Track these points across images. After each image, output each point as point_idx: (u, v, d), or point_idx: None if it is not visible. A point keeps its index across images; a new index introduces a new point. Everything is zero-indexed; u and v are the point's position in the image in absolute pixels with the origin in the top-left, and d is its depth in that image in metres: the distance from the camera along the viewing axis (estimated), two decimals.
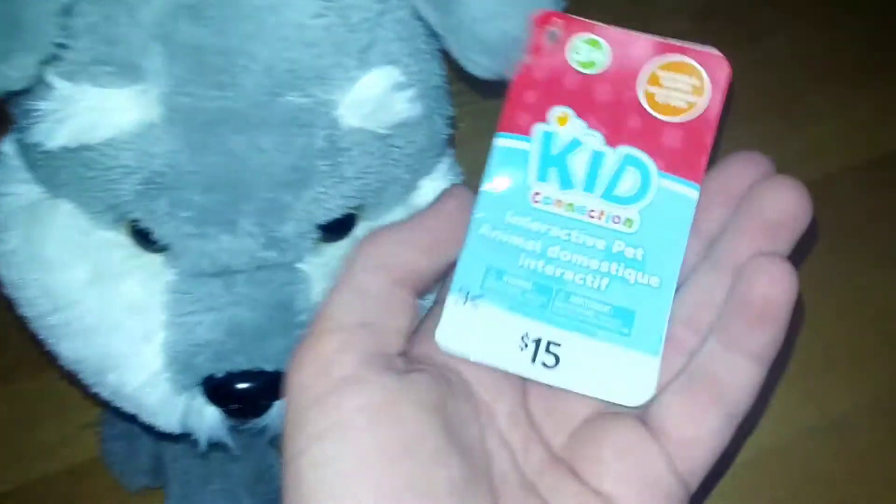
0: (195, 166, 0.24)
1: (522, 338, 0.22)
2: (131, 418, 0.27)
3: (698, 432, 0.21)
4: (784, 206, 0.21)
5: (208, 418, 0.26)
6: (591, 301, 0.23)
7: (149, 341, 0.25)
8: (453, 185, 0.25)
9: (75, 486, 0.38)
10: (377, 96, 0.25)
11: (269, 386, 0.25)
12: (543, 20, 0.25)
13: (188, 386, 0.25)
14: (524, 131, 0.24)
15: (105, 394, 0.27)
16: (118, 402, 0.27)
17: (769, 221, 0.21)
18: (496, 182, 0.24)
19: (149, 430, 0.28)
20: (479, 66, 0.26)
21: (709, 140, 0.24)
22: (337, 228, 0.27)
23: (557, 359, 0.22)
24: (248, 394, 0.25)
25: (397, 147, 0.26)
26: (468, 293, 0.23)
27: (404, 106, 0.26)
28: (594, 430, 0.22)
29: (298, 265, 0.25)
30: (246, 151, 0.24)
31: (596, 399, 0.22)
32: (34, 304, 0.26)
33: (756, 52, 0.49)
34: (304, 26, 0.24)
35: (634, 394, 0.22)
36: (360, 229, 0.27)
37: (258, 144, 0.24)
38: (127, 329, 0.25)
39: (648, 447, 0.21)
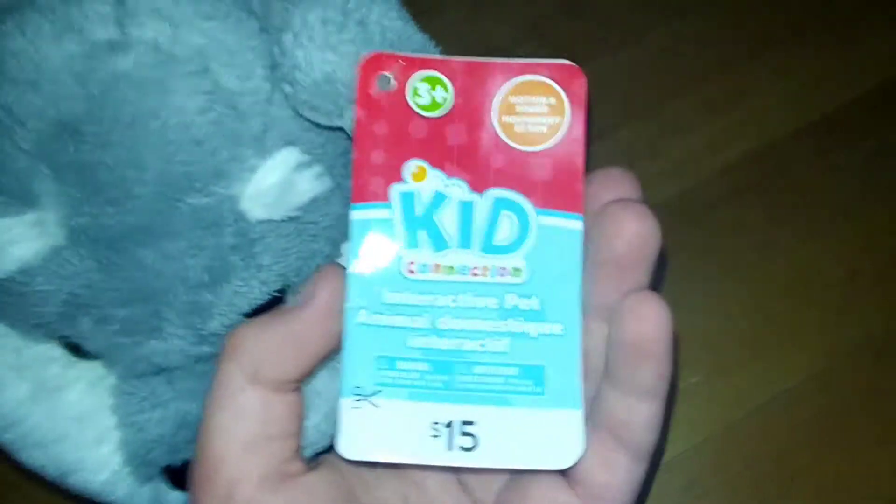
0: (109, 283, 0.24)
1: (433, 425, 0.21)
2: None
3: (612, 478, 0.21)
4: (631, 238, 0.20)
5: (175, 500, 0.27)
6: (496, 367, 0.21)
7: (102, 444, 0.26)
8: (324, 267, 0.23)
9: None
10: (280, 182, 0.25)
11: None
12: (372, 64, 0.22)
13: (150, 477, 0.26)
14: (380, 197, 0.22)
15: (73, 492, 0.28)
16: (87, 497, 0.28)
17: (621, 257, 0.21)
18: (363, 260, 0.22)
19: None
20: (317, 116, 0.24)
21: (580, 162, 0.23)
22: (266, 309, 0.27)
23: (475, 439, 0.21)
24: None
25: (312, 223, 0.26)
26: (361, 393, 0.21)
27: (311, 184, 0.25)
28: (518, 488, 0.23)
29: None
30: (156, 262, 0.24)
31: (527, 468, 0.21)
32: None
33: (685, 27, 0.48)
34: (191, 125, 0.23)
35: (564, 455, 0.21)
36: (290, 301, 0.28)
37: (167, 253, 0.24)
38: (78, 436, 0.26)
39: (568, 499, 0.21)
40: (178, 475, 0.26)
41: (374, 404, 0.21)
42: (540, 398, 0.21)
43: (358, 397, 0.21)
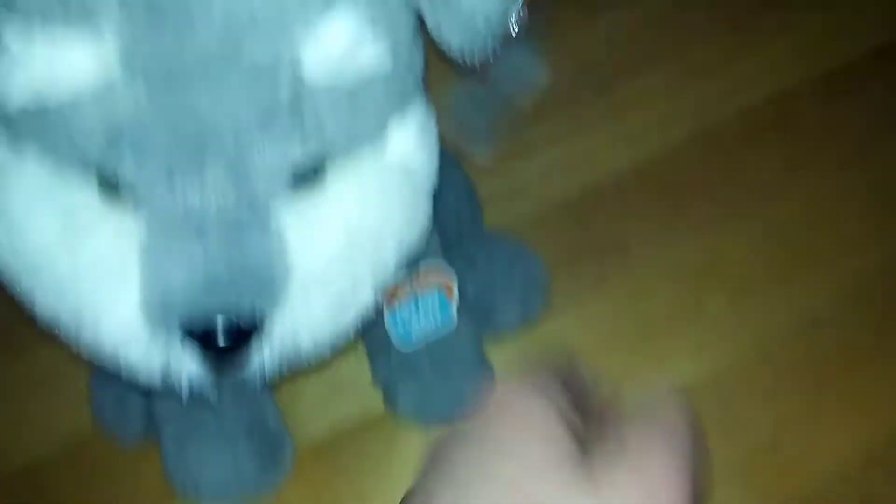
0: (159, 121, 0.23)
1: None
2: (117, 375, 0.27)
3: None
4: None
5: (188, 371, 0.26)
6: None
7: (123, 296, 0.24)
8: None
9: (75, 458, 0.38)
10: (343, 48, 0.25)
11: (245, 340, 0.25)
12: None
13: (167, 338, 0.25)
14: None
15: (86, 350, 0.26)
16: (100, 358, 0.26)
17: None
18: None
19: (135, 386, 0.28)
20: (453, 44, 0.26)
21: None
22: (305, 179, 0.26)
23: None
24: (226, 345, 0.25)
25: (365, 98, 0.26)
26: None
27: (371, 58, 0.25)
28: None
29: (271, 223, 0.25)
30: (209, 105, 0.23)
31: None
32: (6, 266, 0.25)
33: None
34: None
35: None
36: (329, 178, 0.27)
37: (221, 97, 0.23)
38: (100, 283, 0.24)
39: None
40: (195, 344, 0.25)
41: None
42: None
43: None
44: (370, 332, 0.37)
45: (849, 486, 0.35)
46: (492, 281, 0.39)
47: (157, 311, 0.24)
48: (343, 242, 0.25)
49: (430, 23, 0.26)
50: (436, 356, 0.35)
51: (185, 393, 0.26)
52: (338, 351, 0.28)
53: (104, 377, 0.38)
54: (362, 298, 0.27)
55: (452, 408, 0.36)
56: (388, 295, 0.34)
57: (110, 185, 0.25)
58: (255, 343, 0.25)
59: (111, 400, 0.37)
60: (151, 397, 0.36)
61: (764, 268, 0.41)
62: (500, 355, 0.38)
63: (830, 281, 0.40)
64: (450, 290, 0.35)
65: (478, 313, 0.39)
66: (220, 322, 0.24)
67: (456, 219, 0.39)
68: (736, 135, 0.46)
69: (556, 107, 0.49)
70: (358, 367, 0.39)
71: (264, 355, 0.26)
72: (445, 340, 0.35)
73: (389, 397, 0.38)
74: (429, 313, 0.35)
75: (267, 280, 0.24)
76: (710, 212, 0.44)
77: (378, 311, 0.34)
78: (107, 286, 0.24)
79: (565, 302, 0.41)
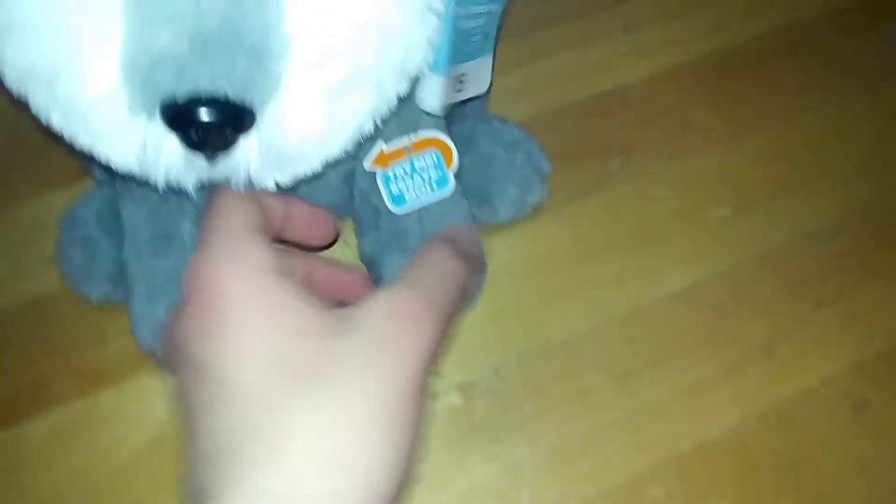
0: None
1: (455, 80, 0.32)
2: (111, 174, 0.24)
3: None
4: None
5: (168, 150, 0.23)
6: (477, 34, 0.31)
7: (104, 48, 0.21)
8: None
9: (39, 314, 0.36)
10: None
11: (233, 115, 0.22)
12: None
13: (147, 106, 0.22)
14: None
15: (59, 115, 0.23)
16: (71, 126, 0.23)
17: None
18: None
19: (107, 172, 0.25)
20: None
21: None
22: None
23: (463, 84, 0.33)
24: (209, 120, 0.22)
25: None
26: (449, 72, 0.31)
27: None
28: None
29: None
30: None
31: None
32: None
33: None
34: None
35: (485, 84, 0.34)
36: None
37: None
38: (79, 30, 0.22)
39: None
40: (178, 113, 0.22)
41: (449, 76, 0.31)
42: (485, 51, 0.33)
43: (444, 75, 0.31)
44: (361, 202, 0.35)
45: (839, 392, 0.34)
46: (491, 163, 0.37)
47: (140, 75, 0.21)
48: (347, 22, 0.23)
49: None
50: (427, 227, 0.33)
51: (160, 178, 0.23)
52: (328, 164, 0.26)
53: (74, 222, 0.35)
54: (361, 99, 0.24)
55: None
56: (383, 156, 0.32)
57: None
58: (243, 127, 0.22)
59: (80, 244, 0.34)
60: (124, 242, 0.32)
61: (768, 183, 0.40)
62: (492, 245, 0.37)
63: (833, 201, 0.39)
64: (448, 155, 0.33)
65: (473, 196, 0.37)
66: (206, 92, 0.21)
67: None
68: (749, 58, 0.45)
69: (572, 12, 0.47)
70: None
71: (251, 148, 0.23)
72: (439, 210, 0.33)
73: (375, 270, 0.35)
74: (425, 175, 0.33)
75: (262, 49, 0.22)
76: (717, 127, 0.42)
77: (367, 173, 0.33)
78: (85, 34, 0.21)
79: (564, 197, 0.39)
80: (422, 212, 0.33)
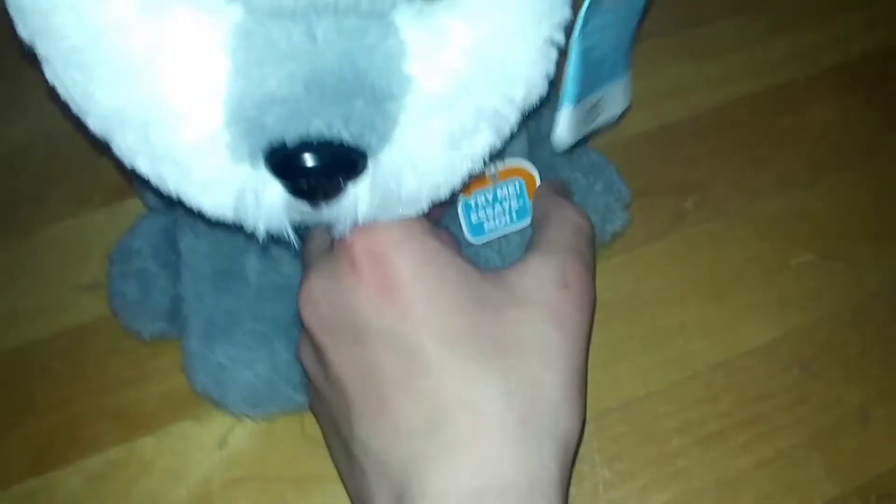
0: None
1: (590, 109, 0.29)
2: (168, 202, 0.22)
3: None
4: None
5: (269, 197, 0.21)
6: (611, 61, 0.29)
7: (207, 91, 0.19)
8: None
9: (74, 348, 0.33)
10: None
11: (347, 161, 0.20)
12: None
13: (252, 152, 0.20)
14: None
15: (148, 158, 0.20)
16: (161, 171, 0.21)
17: None
18: None
19: (164, 200, 0.22)
20: None
21: None
22: None
23: (599, 109, 0.30)
24: (322, 167, 0.20)
25: None
26: (577, 100, 0.28)
27: None
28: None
29: (393, 18, 0.20)
30: None
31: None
32: (65, 35, 0.19)
33: None
34: None
35: (624, 104, 0.32)
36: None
37: None
38: (181, 71, 0.19)
39: None
40: (287, 159, 0.20)
41: (576, 107, 0.28)
42: (618, 72, 0.30)
43: (574, 104, 0.28)
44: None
45: None
46: (570, 188, 0.34)
47: (248, 117, 0.19)
48: (471, 64, 0.20)
49: None
50: (508, 258, 0.31)
51: (259, 227, 0.21)
52: (437, 203, 0.23)
53: (127, 254, 0.32)
54: (480, 141, 0.22)
55: None
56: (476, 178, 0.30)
57: None
58: (356, 173, 0.20)
59: (134, 278, 0.32)
60: (179, 280, 0.30)
61: (853, 228, 0.37)
62: None
63: None
64: (532, 184, 0.30)
65: None
66: (319, 136, 0.19)
67: (537, 120, 0.34)
68: (827, 90, 0.43)
69: (638, 36, 0.45)
70: None
71: (361, 194, 0.21)
72: (519, 240, 0.31)
73: None
74: (506, 205, 0.30)
75: (383, 92, 0.19)
76: (795, 164, 0.40)
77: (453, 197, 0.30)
78: (188, 75, 0.19)
79: (636, 237, 0.37)
80: (501, 241, 0.31)
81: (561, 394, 0.23)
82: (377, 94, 0.20)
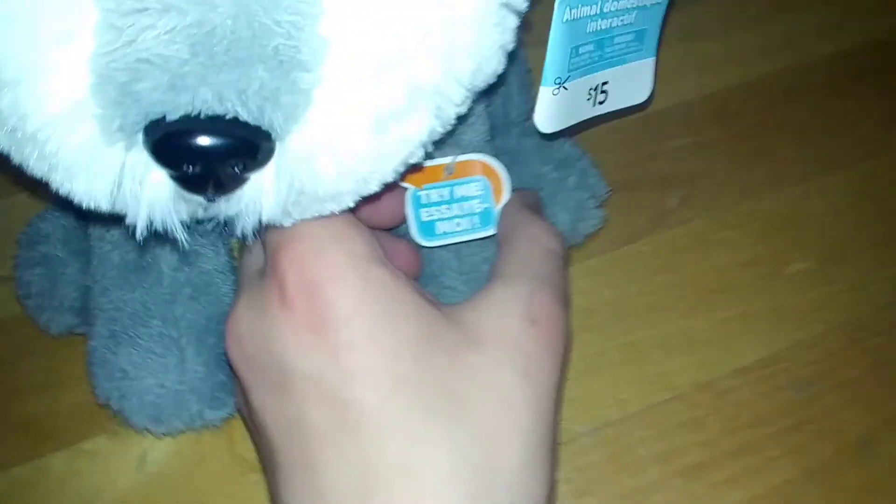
0: None
1: (588, 91, 0.26)
2: (57, 199, 0.18)
3: None
4: None
5: (152, 186, 0.17)
6: (625, 35, 0.26)
7: (69, 47, 0.15)
8: None
9: None
10: None
11: (245, 144, 0.16)
12: None
13: (126, 127, 0.16)
14: None
15: (1, 134, 0.16)
16: (21, 149, 0.17)
17: None
18: None
19: (65, 205, 0.18)
20: None
21: None
22: None
23: (606, 94, 0.26)
24: (212, 150, 0.16)
25: None
26: (560, 81, 0.24)
27: None
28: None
29: None
30: None
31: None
32: None
33: None
34: None
35: (644, 91, 0.28)
36: None
37: None
38: (36, 21, 0.15)
39: None
40: (170, 140, 0.16)
41: (565, 87, 0.25)
42: (640, 52, 0.27)
43: (557, 86, 0.25)
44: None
45: None
46: (539, 184, 0.30)
47: (119, 85, 0.15)
48: (403, 28, 0.17)
49: None
50: (467, 262, 0.27)
51: (140, 222, 0.17)
52: (360, 200, 0.19)
53: (35, 238, 0.29)
54: (416, 125, 0.18)
55: None
56: (418, 172, 0.25)
57: None
58: (257, 160, 0.16)
59: (40, 266, 0.28)
60: (89, 270, 0.26)
61: (857, 232, 0.34)
62: None
63: None
64: (498, 186, 0.26)
65: None
66: (210, 112, 0.15)
67: (504, 103, 0.30)
68: (828, 79, 0.39)
69: None
70: None
71: (266, 186, 0.17)
72: (480, 244, 0.27)
73: None
74: (465, 207, 0.26)
75: (290, 55, 0.16)
76: (793, 160, 0.36)
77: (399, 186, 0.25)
78: (45, 27, 0.15)
79: (614, 238, 0.33)
80: (460, 244, 0.27)
81: (523, 459, 0.19)
82: (283, 61, 0.16)
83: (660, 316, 0.31)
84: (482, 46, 0.18)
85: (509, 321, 0.21)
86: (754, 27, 0.41)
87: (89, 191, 0.17)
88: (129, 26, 0.15)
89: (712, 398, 0.29)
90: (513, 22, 0.19)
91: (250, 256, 0.23)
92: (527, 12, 0.20)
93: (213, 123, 0.15)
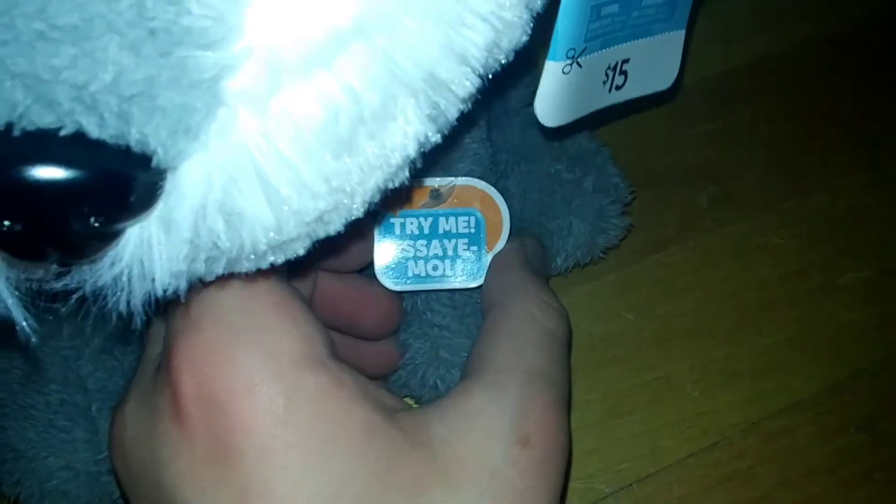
0: None
1: (606, 72, 0.21)
2: None
3: None
4: None
5: None
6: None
7: None
8: None
9: None
10: None
11: (104, 175, 0.10)
12: None
13: None
14: None
15: None
16: None
17: None
18: None
19: None
20: None
21: None
22: None
23: (626, 75, 0.21)
24: (46, 193, 0.10)
25: None
26: (574, 53, 0.19)
27: None
28: None
29: None
30: None
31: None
32: None
33: None
34: None
35: (669, 75, 0.22)
36: None
37: None
38: None
39: None
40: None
41: (578, 64, 0.20)
42: (669, 21, 0.21)
43: (569, 60, 0.19)
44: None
45: None
46: (550, 187, 0.24)
47: None
48: None
49: None
50: (458, 297, 0.21)
51: None
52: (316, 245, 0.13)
53: None
54: (398, 133, 0.12)
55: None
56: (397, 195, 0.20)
57: None
58: (133, 200, 0.10)
59: None
60: None
61: None
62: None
63: None
64: (497, 225, 0.21)
65: (521, 234, 0.24)
66: (26, 121, 0.09)
67: (500, 89, 0.24)
68: (876, 50, 0.33)
69: None
70: None
71: (153, 239, 0.11)
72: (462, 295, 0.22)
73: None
74: (448, 246, 0.21)
75: (172, 17, 0.10)
76: (843, 149, 0.30)
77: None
78: None
79: (639, 242, 0.27)
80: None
81: None
82: (157, 29, 0.10)
83: (695, 344, 0.26)
84: (501, 5, 0.12)
85: (492, 444, 0.15)
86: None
87: None
88: None
89: (761, 443, 0.24)
90: None
91: (154, 331, 0.17)
92: None
93: (38, 146, 0.10)
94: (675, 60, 0.22)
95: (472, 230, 0.21)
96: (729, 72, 0.33)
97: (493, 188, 0.21)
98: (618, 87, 0.21)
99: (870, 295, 0.27)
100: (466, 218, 0.21)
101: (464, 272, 0.21)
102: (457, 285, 0.21)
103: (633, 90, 0.22)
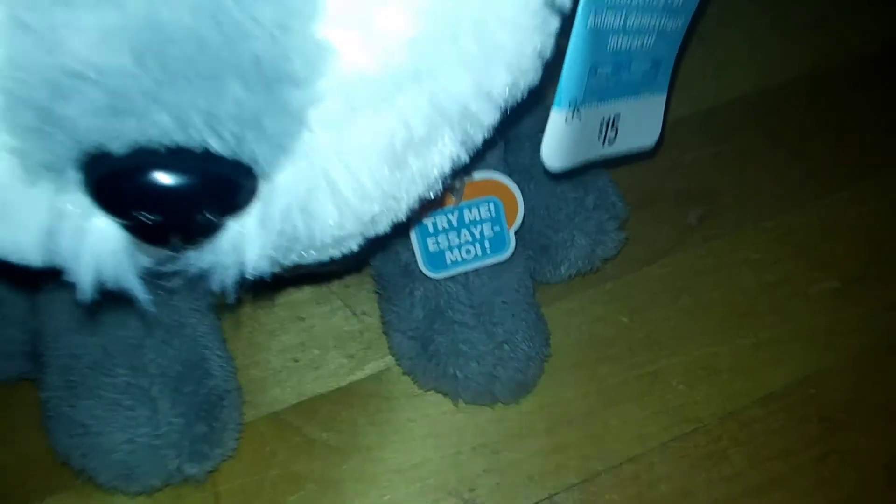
0: None
1: (600, 126, 0.23)
2: None
3: None
4: None
5: (97, 236, 0.14)
6: (642, 62, 0.23)
7: None
8: None
9: None
10: None
11: (219, 181, 0.13)
12: None
13: (53, 165, 0.12)
14: None
15: None
16: None
17: None
18: None
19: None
20: None
21: None
22: None
23: (616, 130, 0.23)
24: (179, 193, 0.13)
25: None
26: (576, 103, 0.21)
27: None
28: None
29: None
30: None
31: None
32: None
33: None
34: None
35: (653, 134, 0.24)
36: None
37: None
38: None
39: None
40: (114, 182, 0.13)
41: (579, 114, 0.21)
42: (654, 86, 0.24)
43: (571, 110, 0.21)
44: (385, 258, 0.26)
45: None
46: (555, 204, 0.28)
47: (38, 108, 0.12)
48: (424, 30, 0.14)
49: None
50: (476, 295, 0.25)
51: (83, 282, 0.14)
52: (368, 246, 0.17)
53: None
54: (438, 155, 0.15)
55: (493, 378, 0.26)
56: (432, 203, 0.24)
57: None
58: (236, 203, 0.13)
59: None
60: (41, 311, 0.23)
61: (890, 246, 0.32)
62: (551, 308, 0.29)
63: None
64: (513, 206, 0.24)
65: (529, 247, 0.28)
66: (168, 142, 0.12)
67: (514, 119, 0.28)
68: (856, 82, 0.37)
69: None
70: (340, 313, 0.29)
71: (250, 231, 0.14)
72: (489, 273, 0.25)
73: (404, 352, 0.27)
74: (476, 232, 0.24)
75: (277, 70, 0.12)
76: (819, 172, 0.34)
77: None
78: None
79: (634, 255, 0.31)
80: (470, 274, 0.25)
81: None
82: (266, 73, 0.12)
83: (681, 344, 0.30)
84: (521, 55, 0.15)
85: None
86: (775, 25, 0.39)
87: (12, 242, 0.14)
88: (47, 25, 0.11)
89: (736, 430, 0.28)
90: (554, 24, 0.16)
91: None
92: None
93: (175, 158, 0.12)
94: (657, 121, 0.24)
95: (493, 214, 0.24)
96: (720, 105, 0.37)
97: (503, 175, 0.24)
98: (610, 141, 0.23)
99: (836, 303, 0.31)
100: (487, 205, 0.24)
101: (492, 249, 0.25)
102: (489, 261, 0.25)
103: (622, 145, 0.24)
